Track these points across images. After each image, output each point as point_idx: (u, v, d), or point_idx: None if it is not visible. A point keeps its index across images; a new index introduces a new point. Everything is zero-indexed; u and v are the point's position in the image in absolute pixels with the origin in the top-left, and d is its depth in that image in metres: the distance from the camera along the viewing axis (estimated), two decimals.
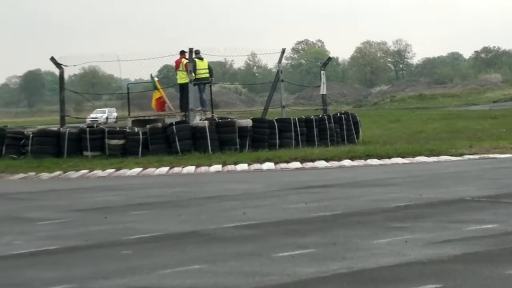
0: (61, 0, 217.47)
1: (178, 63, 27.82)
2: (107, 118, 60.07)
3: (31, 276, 8.25)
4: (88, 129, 24.79)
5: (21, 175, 22.36)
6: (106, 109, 65.06)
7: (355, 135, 30.02)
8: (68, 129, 25.46)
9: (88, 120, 50.22)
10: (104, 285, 7.71)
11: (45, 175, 22.10)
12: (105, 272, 8.24)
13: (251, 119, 26.66)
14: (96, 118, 55.07)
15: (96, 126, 25.67)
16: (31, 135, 25.32)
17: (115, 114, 61.86)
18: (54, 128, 26.60)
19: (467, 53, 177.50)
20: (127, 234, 10.63)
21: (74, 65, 28.01)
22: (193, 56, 26.59)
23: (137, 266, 8.51)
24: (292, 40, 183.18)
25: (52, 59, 27.36)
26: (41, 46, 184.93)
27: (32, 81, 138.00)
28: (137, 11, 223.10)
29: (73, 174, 21.98)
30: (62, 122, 27.37)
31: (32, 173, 22.46)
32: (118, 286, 7.64)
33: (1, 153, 25.33)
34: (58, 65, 27.41)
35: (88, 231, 11.07)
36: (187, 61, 27.00)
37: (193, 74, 26.42)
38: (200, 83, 27.59)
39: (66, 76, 29.06)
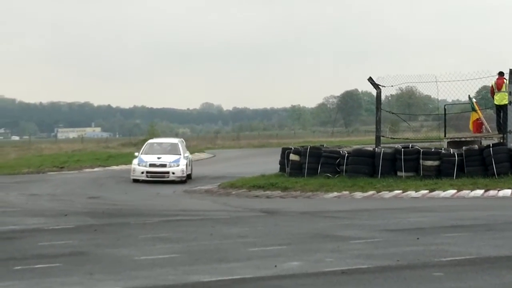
0: (381, 23, 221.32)
1: (499, 83, 26.98)
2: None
3: None
4: (403, 149, 24.78)
5: (335, 193, 22.91)
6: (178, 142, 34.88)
7: None
8: (383, 149, 25.60)
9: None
10: None
11: (358, 194, 22.46)
12: None
13: None
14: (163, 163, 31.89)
15: (411, 147, 25.52)
16: (346, 155, 25.76)
17: (190, 157, 33.99)
18: (369, 148, 26.91)
19: None
20: (439, 256, 10.46)
21: (391, 86, 28.08)
22: None
23: None
24: None
25: (370, 79, 27.71)
26: (360, 67, 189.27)
27: (349, 101, 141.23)
28: (455, 32, 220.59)
29: (386, 194, 22.12)
30: (378, 142, 27.60)
31: (346, 192, 22.92)
32: None
33: (317, 172, 26.00)
34: (376, 85, 27.71)
35: (400, 252, 11.02)
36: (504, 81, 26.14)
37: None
38: None
39: (383, 97, 29.31)
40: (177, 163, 31.84)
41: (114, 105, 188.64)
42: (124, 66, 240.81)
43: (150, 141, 36.04)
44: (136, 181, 31.44)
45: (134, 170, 31.95)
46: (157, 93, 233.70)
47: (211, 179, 31.02)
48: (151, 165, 31.75)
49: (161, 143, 35.17)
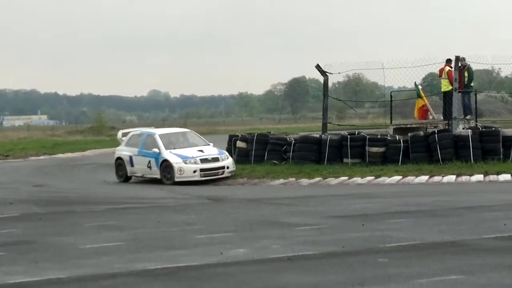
0: (328, 10, 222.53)
1: (441, 71, 27.33)
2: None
3: (287, 280, 8.42)
4: (349, 136, 24.92)
5: (282, 180, 22.99)
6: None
7: None
8: (329, 136, 25.73)
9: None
10: None
11: (304, 181, 22.56)
12: (361, 279, 8.24)
13: None
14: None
15: (358, 134, 25.65)
16: (293, 142, 25.85)
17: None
18: (316, 135, 27.02)
19: None
20: (384, 242, 10.58)
21: (339, 73, 28.20)
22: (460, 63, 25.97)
23: (393, 274, 8.44)
24: None
25: (318, 66, 27.76)
26: (308, 54, 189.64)
27: (296, 88, 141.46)
28: (402, 18, 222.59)
29: (332, 181, 22.25)
30: (324, 129, 27.71)
31: (292, 179, 23.01)
32: None
33: (264, 159, 26.05)
34: (323, 72, 27.78)
35: (345, 238, 11.13)
36: (449, 68, 26.46)
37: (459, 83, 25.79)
38: (466, 91, 26.93)
39: (330, 84, 29.42)
40: (224, 155, 24.99)
41: (60, 93, 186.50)
42: (72, 54, 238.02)
43: (159, 132, 26.01)
44: (178, 183, 23.63)
45: (181, 170, 23.84)
46: (104, 81, 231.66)
47: None
48: (203, 161, 24.19)
49: (174, 133, 26.40)
